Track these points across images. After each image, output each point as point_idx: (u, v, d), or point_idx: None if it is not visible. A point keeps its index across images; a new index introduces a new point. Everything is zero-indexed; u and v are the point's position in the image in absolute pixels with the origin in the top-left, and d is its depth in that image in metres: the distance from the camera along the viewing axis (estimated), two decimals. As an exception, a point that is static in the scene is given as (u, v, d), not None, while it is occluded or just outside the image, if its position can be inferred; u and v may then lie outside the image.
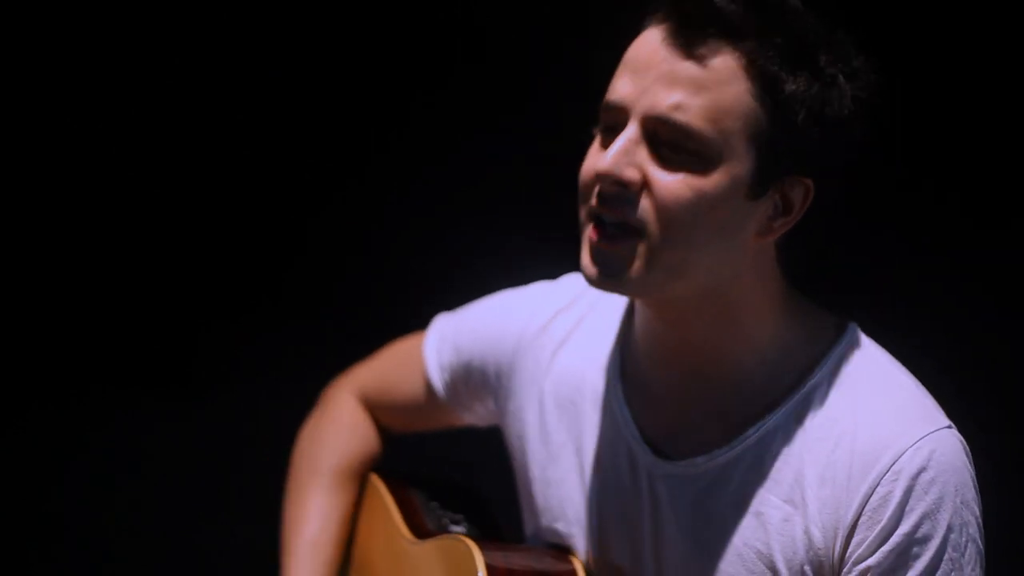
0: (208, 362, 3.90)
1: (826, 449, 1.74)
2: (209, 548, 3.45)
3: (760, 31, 1.69)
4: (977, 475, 1.74)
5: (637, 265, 1.71)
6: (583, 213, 1.76)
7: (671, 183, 1.69)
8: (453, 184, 3.83)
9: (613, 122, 1.73)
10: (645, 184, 1.70)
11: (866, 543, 1.70)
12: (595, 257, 1.73)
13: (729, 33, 1.68)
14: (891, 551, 1.69)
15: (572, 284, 2.00)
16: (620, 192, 1.70)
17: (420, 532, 2.03)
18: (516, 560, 1.87)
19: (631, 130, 1.70)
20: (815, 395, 1.76)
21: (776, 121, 1.70)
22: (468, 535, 1.99)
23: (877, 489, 1.70)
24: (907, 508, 1.69)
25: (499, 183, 3.78)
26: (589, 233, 1.74)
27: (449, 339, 2.08)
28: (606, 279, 1.73)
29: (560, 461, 1.92)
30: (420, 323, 2.14)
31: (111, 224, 3.98)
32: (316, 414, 2.20)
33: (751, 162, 1.70)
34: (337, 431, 2.16)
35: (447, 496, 2.12)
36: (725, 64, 1.68)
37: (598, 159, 1.73)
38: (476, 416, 2.10)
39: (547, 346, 1.96)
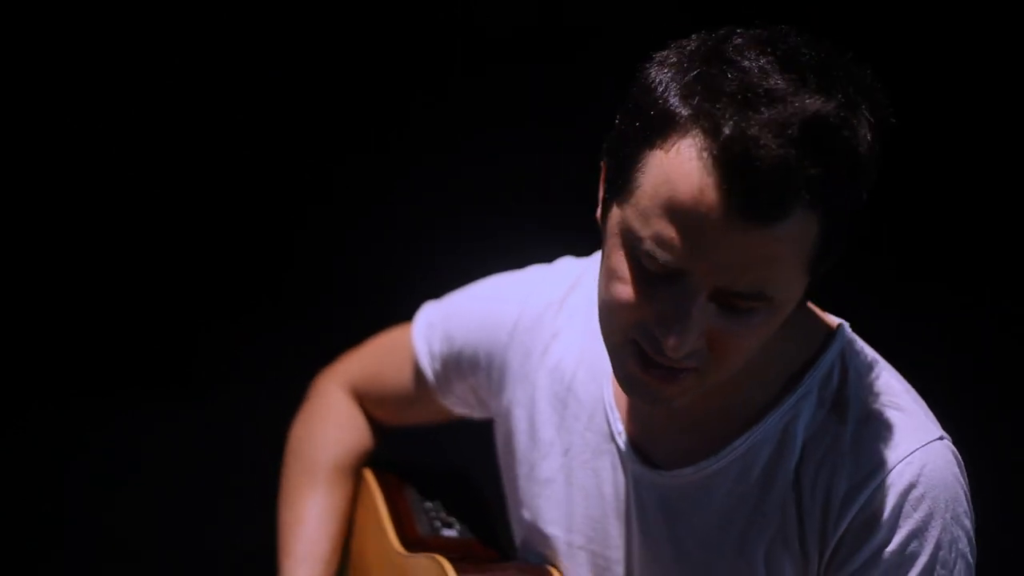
0: (208, 362, 3.89)
1: (813, 463, 1.69)
2: (209, 548, 3.45)
3: (831, 178, 1.52)
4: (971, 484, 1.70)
5: (687, 394, 1.64)
6: (619, 337, 1.62)
7: (741, 339, 1.58)
8: (455, 183, 3.83)
9: (660, 271, 1.56)
10: (708, 333, 1.58)
11: (852, 561, 1.66)
12: (640, 390, 1.64)
13: (807, 195, 1.51)
14: (877, 570, 1.65)
15: (567, 270, 1.94)
16: (686, 355, 1.59)
17: (409, 539, 2.00)
18: None
19: (700, 302, 1.55)
20: (803, 406, 1.71)
21: (833, 240, 1.58)
22: (456, 541, 1.98)
23: (865, 506, 1.66)
24: (895, 526, 1.65)
25: (501, 182, 3.77)
26: (631, 363, 1.62)
27: (439, 327, 2.02)
28: (650, 405, 1.68)
29: (548, 461, 1.88)
30: (418, 322, 2.13)
31: (111, 224, 3.98)
32: (306, 409, 2.16)
33: (804, 284, 1.61)
34: (329, 427, 2.12)
35: (441, 494, 2.09)
36: (799, 221, 1.52)
37: (650, 311, 1.56)
38: (468, 407, 2.05)
39: (539, 340, 1.90)
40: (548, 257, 2.03)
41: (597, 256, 1.86)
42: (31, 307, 3.93)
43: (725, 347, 1.59)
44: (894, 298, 3.59)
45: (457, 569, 1.83)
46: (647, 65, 1.60)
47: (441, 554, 1.88)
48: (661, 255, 1.54)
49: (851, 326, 1.77)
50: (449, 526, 2.03)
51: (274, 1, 3.90)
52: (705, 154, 1.51)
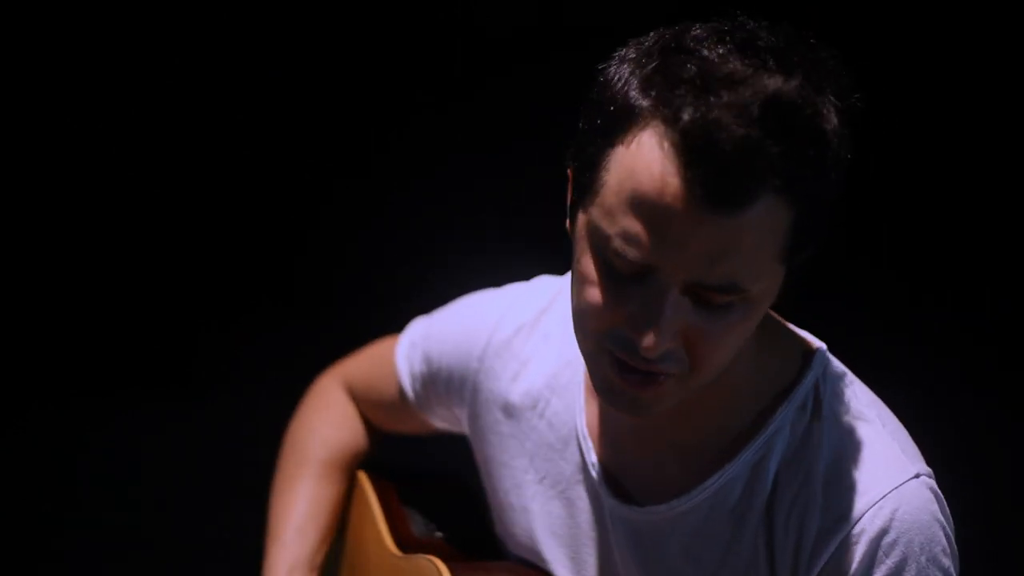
0: (208, 362, 3.90)
1: (785, 500, 1.64)
2: (210, 548, 3.45)
3: (797, 157, 1.47)
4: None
5: (668, 399, 1.58)
6: (594, 345, 1.57)
7: (719, 337, 1.52)
8: (455, 186, 3.83)
9: (630, 271, 1.51)
10: (684, 334, 1.52)
11: None
12: (619, 399, 1.58)
13: (773, 178, 1.46)
14: None
15: (542, 290, 1.89)
16: (662, 356, 1.53)
17: (404, 541, 2.00)
18: None
19: (673, 297, 1.49)
20: (775, 442, 1.65)
21: (807, 229, 1.52)
22: (449, 544, 1.97)
23: (836, 552, 1.60)
24: (870, 572, 1.59)
25: (502, 186, 3.78)
26: (608, 372, 1.56)
27: (419, 347, 2.00)
28: (631, 414, 1.61)
29: (522, 489, 1.84)
30: (418, 324, 2.14)
31: (112, 224, 3.98)
32: (305, 405, 2.14)
33: (781, 275, 1.55)
34: (326, 422, 2.10)
35: (435, 499, 2.09)
36: (768, 207, 1.47)
37: (622, 314, 1.51)
38: (450, 424, 2.03)
39: (510, 366, 1.86)
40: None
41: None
42: (32, 307, 3.94)
43: (704, 349, 1.53)
44: (894, 300, 3.60)
45: (452, 570, 1.81)
46: (607, 63, 1.56)
47: (435, 555, 1.88)
48: (629, 252, 1.49)
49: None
50: (443, 529, 2.03)
51: (274, 2, 3.91)
52: (666, 143, 1.46)
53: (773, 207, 1.47)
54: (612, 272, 1.52)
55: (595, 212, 1.52)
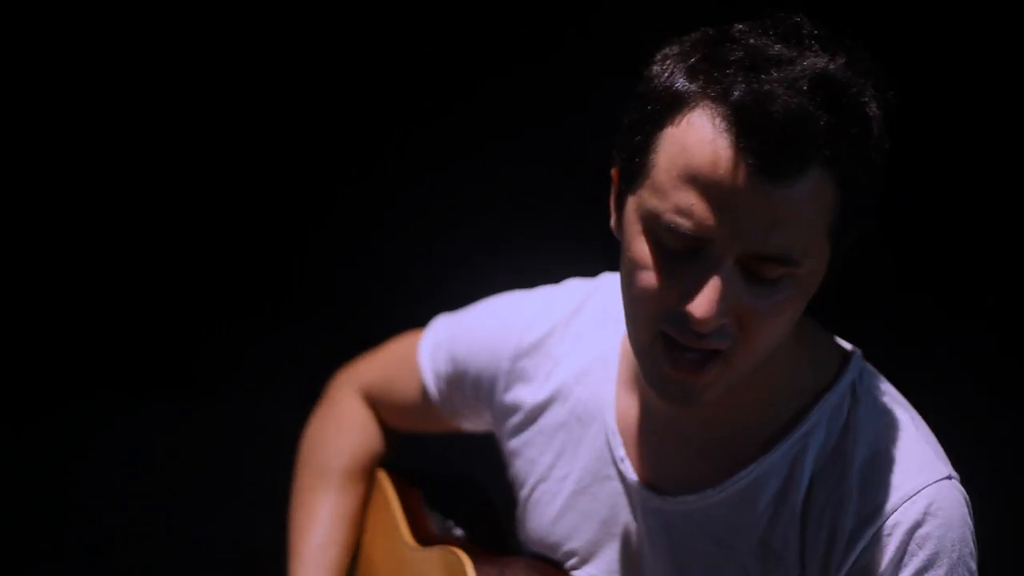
0: (213, 363, 3.90)
1: (820, 498, 1.66)
2: (215, 548, 3.45)
3: (844, 133, 1.51)
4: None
5: (717, 386, 1.60)
6: (647, 334, 1.59)
7: (769, 316, 1.55)
8: (458, 185, 3.84)
9: (683, 247, 1.54)
10: (736, 311, 1.55)
11: None
12: (670, 388, 1.60)
13: (823, 150, 1.51)
14: None
15: (573, 293, 1.91)
16: (714, 331, 1.55)
17: (423, 536, 2.00)
18: (509, 573, 1.84)
19: (726, 269, 1.53)
20: (812, 438, 1.67)
21: (851, 213, 1.57)
22: (468, 542, 1.98)
23: (870, 544, 1.62)
24: (901, 564, 1.61)
25: (505, 184, 3.78)
26: (661, 362, 1.59)
27: (445, 347, 2.00)
28: (682, 404, 1.62)
29: (548, 485, 1.86)
30: (423, 324, 2.13)
31: (116, 226, 3.99)
32: (320, 412, 2.14)
33: (828, 256, 1.58)
34: (343, 430, 2.10)
35: (453, 498, 2.09)
36: (817, 180, 1.51)
37: (675, 292, 1.55)
38: (473, 424, 2.04)
39: (542, 367, 1.88)
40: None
41: (603, 277, 1.89)
42: (37, 308, 3.94)
43: (754, 327, 1.56)
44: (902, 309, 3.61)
45: (473, 558, 1.83)
46: (652, 62, 1.60)
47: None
48: (683, 223, 1.52)
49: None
50: (461, 526, 2.04)
51: (278, 3, 3.91)
52: (718, 119, 1.51)
53: (822, 181, 1.52)
54: (665, 251, 1.55)
55: (645, 194, 1.56)
